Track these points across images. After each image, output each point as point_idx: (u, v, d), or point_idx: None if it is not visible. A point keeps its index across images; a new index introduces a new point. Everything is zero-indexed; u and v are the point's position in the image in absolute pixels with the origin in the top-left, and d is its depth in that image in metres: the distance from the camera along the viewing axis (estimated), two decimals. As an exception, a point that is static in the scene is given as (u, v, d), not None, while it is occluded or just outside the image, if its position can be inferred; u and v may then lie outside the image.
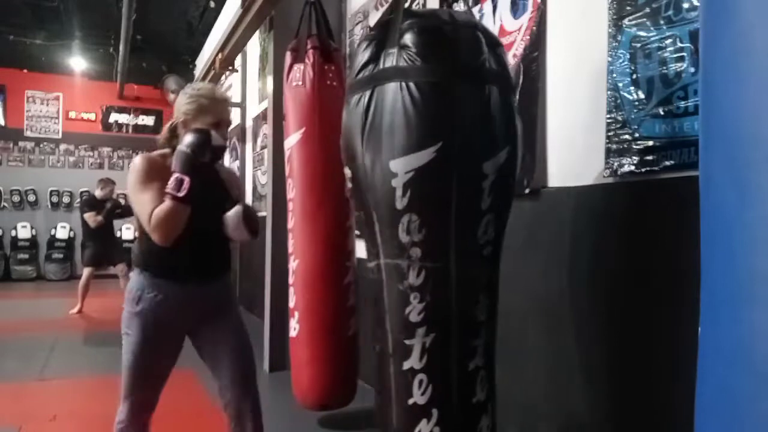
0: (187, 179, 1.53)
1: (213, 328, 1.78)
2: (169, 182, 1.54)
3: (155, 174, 1.62)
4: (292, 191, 2.64)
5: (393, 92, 1.40)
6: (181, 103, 1.75)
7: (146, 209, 1.58)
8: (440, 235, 1.42)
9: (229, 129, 1.74)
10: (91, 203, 6.06)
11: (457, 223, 1.42)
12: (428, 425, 1.42)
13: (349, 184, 1.53)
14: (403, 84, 1.39)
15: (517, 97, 2.20)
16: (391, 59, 1.43)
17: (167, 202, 1.54)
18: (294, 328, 2.59)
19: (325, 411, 2.71)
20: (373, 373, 1.59)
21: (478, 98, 1.44)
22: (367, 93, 1.44)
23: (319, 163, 2.55)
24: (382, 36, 1.48)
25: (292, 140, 2.63)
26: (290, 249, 2.67)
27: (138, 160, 1.67)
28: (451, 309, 1.44)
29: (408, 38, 1.42)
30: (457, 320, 1.44)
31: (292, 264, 2.65)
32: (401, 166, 1.40)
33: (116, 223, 6.45)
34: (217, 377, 1.81)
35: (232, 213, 1.69)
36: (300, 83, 2.59)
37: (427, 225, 1.41)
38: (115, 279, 6.68)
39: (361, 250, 3.51)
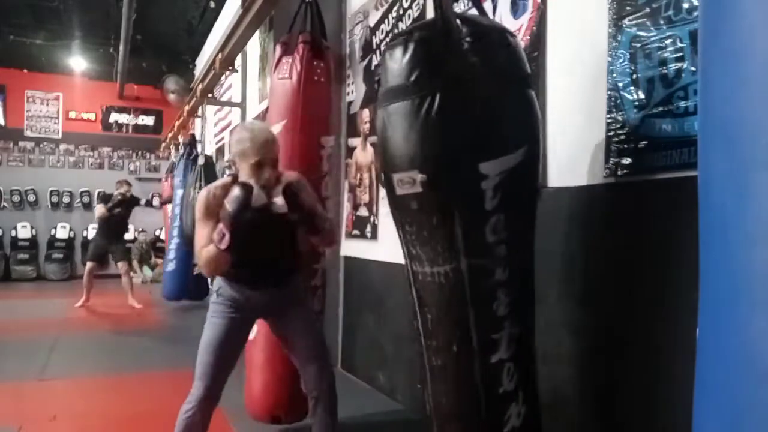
0: (227, 235, 1.79)
1: (282, 322, 2.07)
2: (214, 236, 1.82)
3: (213, 209, 1.89)
4: None
5: (470, 95, 1.45)
6: (232, 142, 1.99)
7: (199, 245, 1.91)
8: (522, 234, 1.55)
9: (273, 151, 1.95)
10: (105, 199, 6.36)
11: (530, 220, 1.59)
12: (517, 407, 1.55)
13: (418, 189, 1.49)
14: (480, 87, 1.46)
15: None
16: (457, 62, 1.45)
17: (212, 248, 1.84)
18: (253, 330, 2.46)
19: (276, 424, 2.57)
20: (435, 382, 1.65)
21: (530, 101, 1.56)
22: (435, 97, 1.44)
23: (295, 157, 2.50)
24: (433, 39, 1.49)
25: (275, 130, 2.60)
26: None
27: (200, 195, 1.96)
28: (529, 299, 1.61)
29: (469, 42, 1.46)
30: (530, 309, 1.61)
31: None
32: (493, 169, 1.44)
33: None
34: (296, 361, 2.09)
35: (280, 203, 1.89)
36: (286, 76, 2.58)
37: (512, 225, 1.49)
38: (115, 279, 6.69)
39: (357, 250, 3.52)
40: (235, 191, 1.80)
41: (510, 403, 1.54)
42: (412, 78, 1.47)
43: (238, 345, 2.03)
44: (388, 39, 3.28)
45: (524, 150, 1.48)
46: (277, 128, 2.56)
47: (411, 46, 1.49)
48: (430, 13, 2.85)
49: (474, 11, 2.47)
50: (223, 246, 1.79)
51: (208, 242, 1.86)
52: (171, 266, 6.43)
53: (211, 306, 2.02)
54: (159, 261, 9.04)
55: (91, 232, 9.83)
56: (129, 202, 6.39)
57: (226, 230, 1.79)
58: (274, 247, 2.01)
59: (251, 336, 2.50)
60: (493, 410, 1.54)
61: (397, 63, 1.51)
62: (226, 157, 7.60)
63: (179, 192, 6.47)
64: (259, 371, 2.52)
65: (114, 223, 6.24)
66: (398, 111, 1.50)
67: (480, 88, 1.45)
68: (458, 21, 1.50)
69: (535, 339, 1.66)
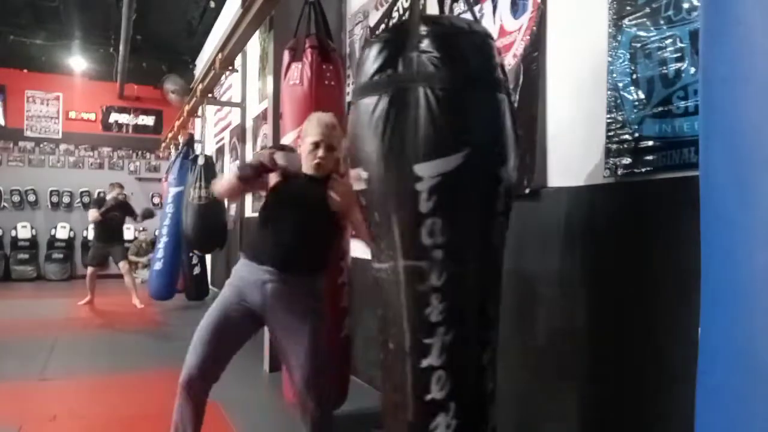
0: (246, 171, 1.96)
1: (287, 326, 1.95)
2: (264, 155, 1.96)
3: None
4: None
5: (415, 97, 1.41)
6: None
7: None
8: (461, 238, 1.46)
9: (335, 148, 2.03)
10: (97, 202, 6.38)
11: (478, 226, 1.48)
12: (446, 418, 1.47)
13: (363, 186, 1.53)
14: (428, 89, 1.41)
15: (517, 97, 2.20)
16: (409, 65, 1.43)
17: (231, 176, 2.02)
18: None
19: None
20: (381, 373, 1.62)
21: (493, 105, 1.49)
22: (386, 97, 1.44)
23: None
24: (397, 39, 1.48)
25: (288, 138, 2.63)
26: None
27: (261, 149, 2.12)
28: (470, 308, 1.49)
29: (428, 44, 1.43)
30: (474, 318, 1.50)
31: None
32: (428, 171, 1.42)
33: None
34: (286, 365, 2.05)
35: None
36: (297, 82, 2.59)
37: (450, 228, 1.44)
38: (116, 279, 6.69)
39: (360, 251, 3.52)
40: (287, 159, 1.93)
41: (438, 412, 1.47)
42: (373, 78, 1.48)
43: (235, 329, 1.94)
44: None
45: (466, 153, 1.41)
46: (292, 136, 2.59)
47: (375, 47, 1.50)
48: (430, 13, 2.85)
49: (474, 11, 2.48)
50: (246, 174, 1.95)
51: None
52: (158, 265, 6.41)
53: (224, 287, 2.01)
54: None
55: (91, 233, 9.88)
56: (122, 206, 6.39)
57: (265, 161, 1.92)
58: (305, 235, 1.97)
59: None
60: (419, 415, 1.50)
61: (366, 61, 1.52)
62: (227, 154, 7.60)
63: (173, 191, 6.45)
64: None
65: (110, 226, 6.26)
66: (358, 108, 1.53)
67: (425, 88, 1.42)
68: (424, 23, 1.48)
69: (495, 357, 1.56)
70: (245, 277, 1.95)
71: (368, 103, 1.48)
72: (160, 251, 6.43)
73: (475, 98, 1.46)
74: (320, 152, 1.97)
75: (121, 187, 6.61)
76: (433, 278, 1.45)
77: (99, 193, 9.73)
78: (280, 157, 1.93)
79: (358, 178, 1.55)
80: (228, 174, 1.97)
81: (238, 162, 6.91)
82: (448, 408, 1.47)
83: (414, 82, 1.42)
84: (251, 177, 1.97)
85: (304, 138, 2.01)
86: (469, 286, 1.48)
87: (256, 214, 2.19)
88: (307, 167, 1.99)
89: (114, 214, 6.26)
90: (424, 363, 1.47)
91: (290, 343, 1.96)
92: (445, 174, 1.41)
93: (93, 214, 6.18)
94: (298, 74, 2.60)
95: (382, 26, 3.09)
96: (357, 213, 1.90)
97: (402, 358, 1.51)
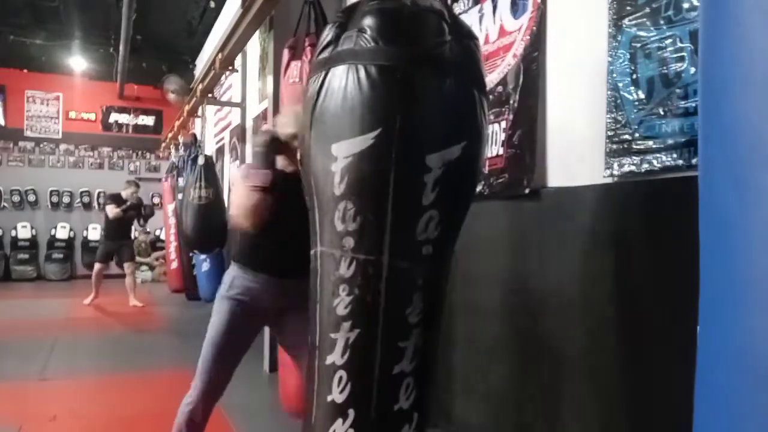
0: (267, 174, 1.80)
1: (292, 321, 1.95)
2: (256, 176, 1.80)
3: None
4: None
5: (342, 74, 1.34)
6: (290, 120, 1.95)
7: (240, 200, 1.85)
8: (374, 227, 1.34)
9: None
10: (115, 198, 6.36)
11: (393, 215, 1.33)
12: (343, 426, 1.35)
13: (300, 167, 1.50)
14: (353, 66, 1.33)
15: (517, 97, 2.20)
16: (347, 42, 1.37)
17: (254, 192, 1.80)
18: None
19: None
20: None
21: (430, 87, 1.36)
22: (321, 75, 1.39)
23: None
24: (344, 19, 1.43)
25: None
26: None
27: (245, 165, 1.99)
28: (378, 306, 1.34)
29: (366, 21, 1.36)
30: (384, 319, 1.35)
31: None
32: (342, 151, 1.34)
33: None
34: (295, 361, 2.04)
35: None
36: (297, 80, 2.59)
37: (361, 214, 1.33)
38: (116, 279, 6.69)
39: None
40: (259, 137, 1.84)
41: (403, 423, 1.37)
42: (318, 56, 1.43)
43: (243, 345, 1.95)
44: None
45: (377, 134, 1.31)
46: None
47: (328, 27, 1.44)
48: None
49: (474, 11, 2.48)
50: (266, 180, 1.76)
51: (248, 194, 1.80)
52: (206, 266, 6.35)
53: (220, 300, 1.94)
54: (162, 261, 9.03)
55: (92, 233, 9.88)
56: (138, 205, 6.49)
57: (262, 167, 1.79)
58: (302, 235, 1.91)
59: None
60: (384, 429, 1.37)
61: (319, 41, 1.46)
62: (228, 154, 7.60)
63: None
64: (292, 370, 2.54)
65: (123, 224, 6.30)
66: (306, 86, 1.48)
67: (355, 66, 1.34)
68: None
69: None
70: (249, 287, 1.90)
71: (310, 82, 1.43)
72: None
73: (402, 77, 1.33)
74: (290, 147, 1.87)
75: (138, 186, 6.64)
76: (342, 267, 1.35)
77: (99, 192, 9.78)
78: (282, 154, 1.85)
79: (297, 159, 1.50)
80: (240, 192, 1.82)
81: (237, 162, 6.92)
82: (347, 415, 1.34)
83: (343, 60, 1.35)
84: (268, 180, 1.79)
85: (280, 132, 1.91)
86: (379, 281, 1.34)
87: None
88: (284, 164, 1.91)
89: (131, 213, 6.31)
90: (329, 359, 1.37)
91: (303, 341, 1.94)
92: (356, 155, 1.32)
93: (114, 210, 6.17)
94: (297, 72, 2.60)
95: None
96: None
97: (313, 353, 1.42)
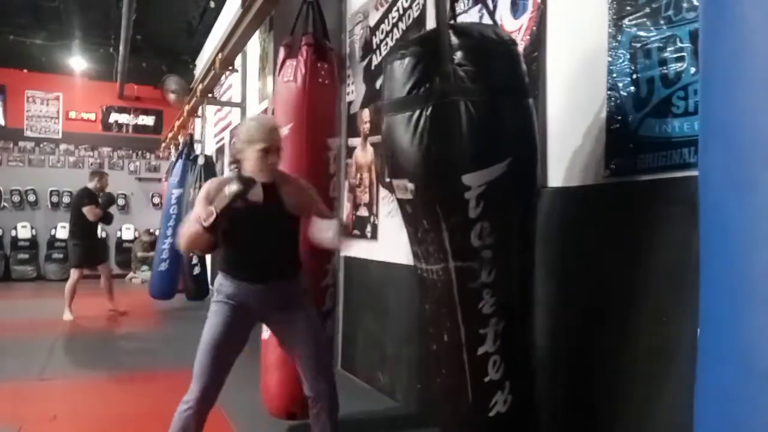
0: (213, 216, 1.82)
1: (283, 320, 2.05)
2: (203, 212, 1.84)
3: (213, 197, 1.89)
4: None
5: (457, 110, 1.51)
6: (240, 132, 2.05)
7: (187, 222, 1.94)
8: (507, 240, 1.60)
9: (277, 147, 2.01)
10: (90, 196, 5.74)
11: (519, 228, 1.64)
12: (503, 395, 1.65)
13: (410, 195, 1.64)
14: (468, 101, 1.51)
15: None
16: (449, 78, 1.52)
17: (196, 226, 1.86)
18: (266, 329, 2.48)
19: (292, 420, 2.57)
20: (432, 364, 1.82)
21: (525, 112, 1.62)
22: (426, 111, 1.53)
23: (303, 159, 2.51)
24: (428, 52, 1.56)
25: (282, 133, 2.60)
26: None
27: (208, 183, 2.02)
28: (516, 299, 1.67)
29: (461, 56, 1.52)
30: (520, 308, 1.68)
31: None
32: (475, 180, 1.52)
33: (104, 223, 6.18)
34: (295, 364, 2.09)
35: (327, 224, 1.99)
36: (291, 79, 2.58)
37: (496, 231, 1.57)
38: (115, 279, 6.67)
39: (355, 251, 3.52)
40: (234, 183, 1.84)
41: (496, 391, 1.65)
42: (407, 92, 1.58)
43: (236, 345, 2.00)
44: (388, 39, 3.28)
45: (509, 162, 1.54)
46: (283, 131, 2.57)
47: (407, 60, 1.59)
48: (430, 13, 2.85)
49: (474, 11, 2.48)
50: (207, 224, 1.82)
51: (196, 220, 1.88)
52: (163, 266, 6.40)
53: (212, 305, 2.01)
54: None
55: (85, 230, 9.78)
56: (111, 196, 5.97)
57: (216, 211, 1.82)
58: (274, 243, 2.01)
59: (265, 335, 2.52)
60: (478, 396, 1.67)
61: (397, 75, 1.61)
62: (227, 154, 7.59)
63: (175, 192, 6.45)
64: (275, 369, 2.54)
65: (92, 224, 5.75)
66: (396, 122, 1.61)
67: (465, 102, 1.51)
68: (452, 33, 1.56)
69: (533, 336, 1.75)
70: (236, 293, 1.97)
71: (406, 118, 1.57)
72: (164, 252, 6.39)
73: (509, 107, 1.57)
74: (272, 158, 1.97)
75: (106, 174, 6.12)
76: (483, 275, 1.59)
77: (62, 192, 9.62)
78: (254, 194, 1.88)
79: (404, 189, 1.65)
80: (189, 224, 1.92)
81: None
82: (504, 386, 1.66)
83: (454, 96, 1.52)
84: (217, 222, 1.86)
85: (250, 144, 1.95)
86: (514, 280, 1.65)
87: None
88: (256, 173, 1.94)
89: (108, 206, 5.91)
90: (480, 350, 1.64)
91: (295, 336, 2.05)
92: (491, 182, 1.52)
93: (95, 211, 5.64)
94: (292, 71, 2.58)
95: (401, 26, 3.12)
96: (316, 207, 2.06)
97: (457, 349, 1.66)
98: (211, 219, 1.81)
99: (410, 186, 1.62)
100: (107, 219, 5.93)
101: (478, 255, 1.58)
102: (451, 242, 1.60)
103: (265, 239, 1.98)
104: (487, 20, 2.40)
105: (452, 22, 1.80)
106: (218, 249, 2.02)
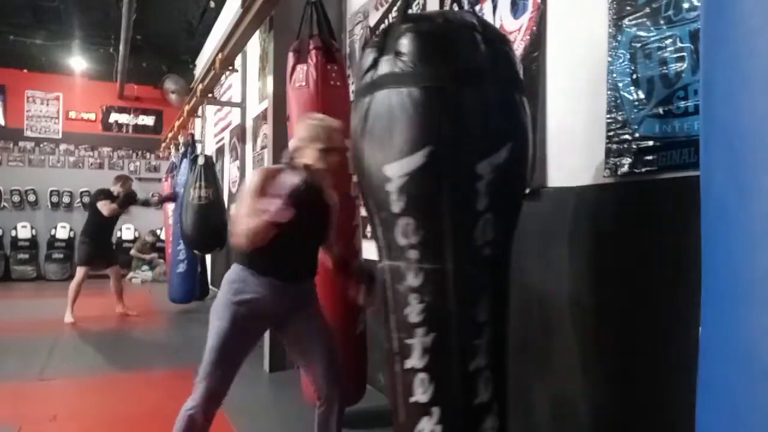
0: (290, 212, 1.70)
1: (299, 323, 1.99)
2: (271, 203, 1.70)
3: (268, 188, 1.80)
4: None
5: (386, 98, 1.44)
6: (300, 129, 1.98)
7: (243, 215, 1.79)
8: (435, 237, 1.43)
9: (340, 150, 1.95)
10: (107, 193, 5.75)
11: (452, 224, 1.43)
12: (430, 423, 1.45)
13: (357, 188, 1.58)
14: (395, 90, 1.43)
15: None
16: (385, 66, 1.46)
17: (263, 221, 1.71)
18: None
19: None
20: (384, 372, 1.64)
21: (472, 100, 1.43)
22: (367, 99, 1.49)
23: None
24: (381, 42, 1.51)
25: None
26: None
27: (259, 172, 1.90)
28: (449, 309, 1.45)
29: (401, 44, 1.45)
30: (456, 320, 1.45)
31: None
32: (395, 171, 1.43)
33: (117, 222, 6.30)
34: (305, 368, 2.05)
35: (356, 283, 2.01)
36: (303, 84, 2.59)
37: (422, 228, 1.43)
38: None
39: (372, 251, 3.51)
40: (296, 177, 1.81)
41: (485, 416, 1.47)
42: (361, 81, 1.52)
43: (246, 347, 1.94)
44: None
45: (428, 151, 1.40)
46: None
47: (367, 50, 1.53)
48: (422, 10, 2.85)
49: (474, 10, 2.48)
50: (284, 217, 1.68)
51: (256, 214, 1.74)
52: (181, 267, 6.27)
53: (223, 302, 1.90)
54: (160, 261, 9.04)
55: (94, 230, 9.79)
56: (132, 194, 5.90)
57: (287, 204, 1.70)
58: (315, 243, 2.01)
59: None
60: (406, 417, 1.49)
61: (360, 65, 1.55)
62: (227, 154, 7.59)
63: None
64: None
65: (112, 222, 5.82)
66: (353, 110, 1.57)
67: (396, 90, 1.43)
68: (405, 22, 1.48)
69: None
70: (253, 290, 1.88)
71: (357, 106, 1.54)
72: (181, 253, 6.22)
73: (442, 95, 1.41)
74: (331, 158, 1.92)
75: (131, 179, 6.13)
76: (410, 278, 1.45)
77: (82, 193, 9.67)
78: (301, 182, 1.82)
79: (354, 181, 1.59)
80: (250, 218, 1.76)
81: (237, 163, 6.92)
82: (431, 413, 1.45)
83: (384, 85, 1.45)
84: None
85: (311, 142, 1.92)
86: (447, 287, 1.44)
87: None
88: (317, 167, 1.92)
89: (127, 205, 5.90)
90: (408, 364, 1.47)
91: (312, 343, 2.01)
92: (410, 174, 1.41)
93: (109, 206, 5.58)
94: (303, 76, 2.60)
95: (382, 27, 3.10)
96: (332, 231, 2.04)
97: (392, 359, 1.52)
98: (288, 213, 1.69)
99: (354, 178, 1.60)
100: (128, 201, 5.78)
101: (404, 254, 1.45)
102: (383, 238, 1.50)
103: (309, 238, 1.96)
104: (487, 20, 2.41)
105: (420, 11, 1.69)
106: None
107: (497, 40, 1.53)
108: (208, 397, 1.86)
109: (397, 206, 1.44)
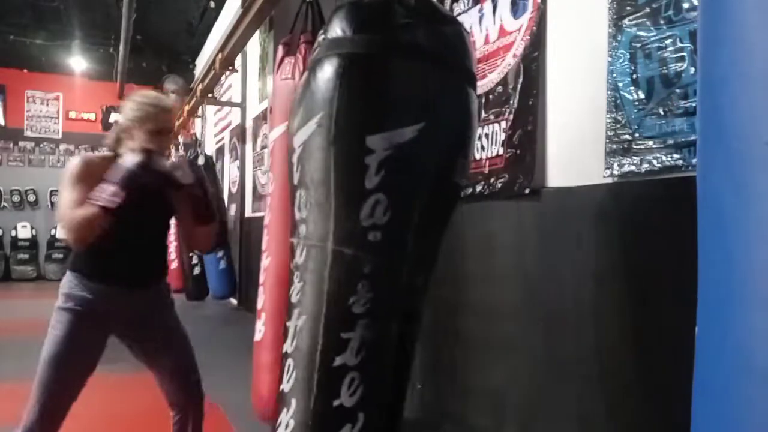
0: (122, 194, 1.51)
1: (144, 330, 1.79)
2: (101, 190, 1.52)
3: (89, 177, 1.60)
4: (271, 185, 2.54)
5: (309, 70, 1.42)
6: (127, 109, 1.74)
7: (66, 208, 1.57)
8: (321, 213, 1.33)
9: (176, 135, 1.81)
10: None
11: (336, 200, 1.31)
12: (286, 416, 1.33)
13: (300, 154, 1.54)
14: (312, 63, 1.40)
15: (517, 96, 2.20)
16: (326, 33, 1.42)
17: (92, 208, 1.51)
18: (259, 330, 2.41)
19: None
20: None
21: (376, 71, 1.35)
22: (305, 74, 1.46)
23: None
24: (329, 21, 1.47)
25: (276, 132, 2.54)
26: (264, 246, 2.53)
27: (76, 161, 1.67)
28: (322, 293, 1.31)
29: (334, 17, 1.41)
30: (327, 307, 1.31)
31: (264, 262, 2.50)
32: (297, 141, 1.39)
33: None
34: (155, 373, 1.84)
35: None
36: (289, 76, 2.56)
37: (310, 201, 1.35)
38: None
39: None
40: (132, 156, 1.58)
41: (344, 422, 1.28)
42: (313, 52, 1.45)
43: (87, 361, 1.74)
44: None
45: (318, 119, 1.33)
46: (280, 130, 2.55)
47: (343, 10, 1.44)
48: None
49: (474, 11, 2.48)
50: (112, 205, 1.49)
51: (81, 204, 1.54)
52: (222, 264, 6.26)
53: (56, 314, 1.68)
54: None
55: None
56: None
57: (120, 189, 1.50)
58: (157, 239, 1.79)
59: (258, 337, 2.48)
60: (322, 424, 1.31)
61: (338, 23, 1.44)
62: (227, 153, 7.58)
63: None
64: (267, 372, 2.45)
65: None
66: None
67: (324, 59, 1.37)
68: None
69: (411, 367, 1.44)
70: (86, 297, 1.66)
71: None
72: (221, 251, 6.16)
73: (351, 63, 1.33)
74: (165, 142, 1.75)
75: None
76: (297, 254, 1.37)
77: None
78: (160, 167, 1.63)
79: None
80: (77, 209, 1.54)
81: (237, 163, 6.91)
82: (356, 419, 1.29)
83: (322, 53, 1.39)
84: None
85: (143, 122, 1.69)
86: (323, 268, 1.32)
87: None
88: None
89: None
90: (284, 348, 1.36)
91: (167, 349, 1.82)
92: (304, 144, 1.36)
93: None
94: (290, 69, 2.56)
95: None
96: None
97: (311, 356, 1.33)
98: (119, 199, 1.49)
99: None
100: None
101: (297, 229, 1.37)
102: (291, 212, 1.41)
103: (147, 234, 1.73)
104: (487, 20, 2.41)
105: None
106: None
107: (439, 19, 1.42)
108: (43, 419, 1.68)
109: (295, 178, 1.38)
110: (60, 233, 1.61)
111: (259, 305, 2.52)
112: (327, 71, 1.34)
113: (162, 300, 1.83)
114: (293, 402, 1.31)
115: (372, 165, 1.28)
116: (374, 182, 1.28)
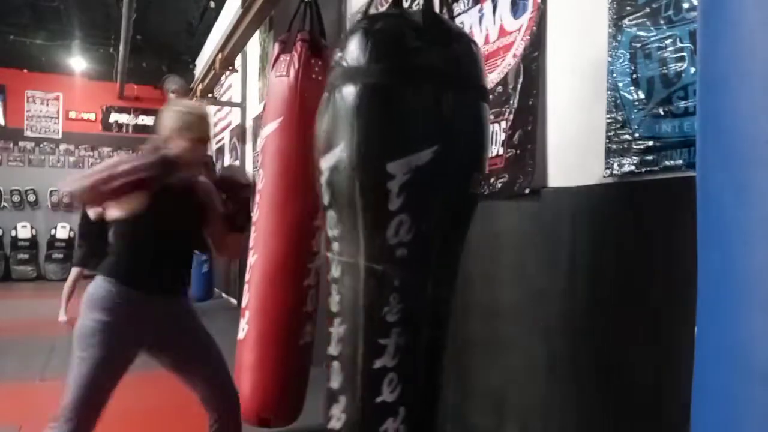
0: (141, 177, 1.56)
1: (177, 340, 1.80)
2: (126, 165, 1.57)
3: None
4: (261, 182, 2.55)
5: (332, 96, 1.49)
6: (166, 118, 1.78)
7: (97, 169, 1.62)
8: (351, 232, 1.47)
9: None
10: None
11: (364, 221, 1.44)
12: (337, 410, 1.50)
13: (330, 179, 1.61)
14: (332, 89, 1.48)
15: (517, 96, 2.20)
16: (337, 64, 1.51)
17: (106, 175, 1.55)
18: (242, 329, 2.41)
19: (265, 427, 2.42)
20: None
21: (390, 97, 1.42)
22: (325, 95, 1.55)
23: (293, 154, 2.43)
24: (343, 42, 1.54)
25: (268, 129, 2.54)
26: (251, 243, 2.54)
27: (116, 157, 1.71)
28: (358, 304, 1.47)
29: (351, 42, 1.48)
30: (364, 317, 1.46)
31: (251, 259, 2.51)
32: (324, 165, 1.49)
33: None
34: (192, 385, 1.84)
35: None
36: (284, 73, 2.55)
37: (341, 222, 1.48)
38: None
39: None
40: (154, 157, 1.62)
41: (387, 416, 1.45)
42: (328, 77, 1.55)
43: (117, 377, 1.72)
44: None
45: (341, 148, 1.43)
46: (272, 127, 2.54)
47: (358, 34, 1.50)
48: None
49: (474, 11, 2.48)
50: (141, 175, 1.53)
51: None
52: (205, 268, 6.26)
53: (85, 325, 1.63)
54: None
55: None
56: None
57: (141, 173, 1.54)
58: (190, 241, 1.80)
59: (241, 335, 2.46)
60: (368, 418, 1.46)
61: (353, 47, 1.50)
62: (227, 153, 7.58)
63: None
64: (249, 372, 2.44)
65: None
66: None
67: (337, 90, 1.46)
68: (363, 19, 1.50)
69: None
70: (129, 309, 1.65)
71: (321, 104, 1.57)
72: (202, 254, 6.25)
73: (369, 91, 1.42)
74: (204, 151, 1.78)
75: None
76: (332, 269, 1.50)
77: None
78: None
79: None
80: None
81: (237, 163, 6.92)
82: (397, 413, 1.45)
83: (339, 81, 1.47)
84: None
85: (184, 132, 1.72)
86: (358, 282, 1.46)
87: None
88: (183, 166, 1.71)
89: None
90: (329, 350, 1.51)
91: (197, 361, 1.82)
92: (330, 169, 1.47)
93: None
94: (285, 66, 2.56)
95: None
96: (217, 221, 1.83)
97: (353, 359, 1.48)
98: (139, 175, 1.53)
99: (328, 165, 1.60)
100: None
101: (330, 246, 1.50)
102: (323, 231, 1.54)
103: (181, 243, 1.75)
104: (487, 20, 2.41)
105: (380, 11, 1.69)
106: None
107: (453, 38, 1.50)
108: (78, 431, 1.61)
109: (326, 199, 1.51)
110: (70, 185, 1.59)
111: (244, 303, 2.51)
112: (346, 100, 1.44)
113: (189, 307, 1.87)
114: (342, 398, 1.49)
115: (393, 189, 1.39)
116: (397, 204, 1.40)
